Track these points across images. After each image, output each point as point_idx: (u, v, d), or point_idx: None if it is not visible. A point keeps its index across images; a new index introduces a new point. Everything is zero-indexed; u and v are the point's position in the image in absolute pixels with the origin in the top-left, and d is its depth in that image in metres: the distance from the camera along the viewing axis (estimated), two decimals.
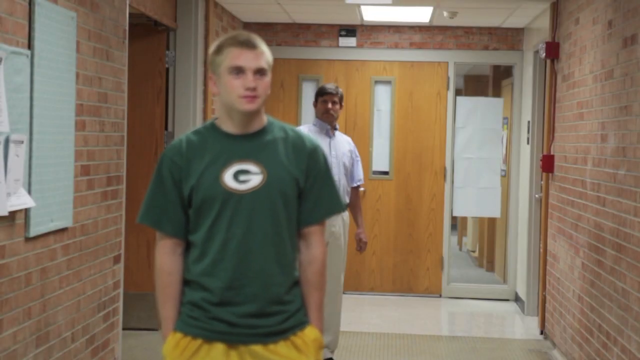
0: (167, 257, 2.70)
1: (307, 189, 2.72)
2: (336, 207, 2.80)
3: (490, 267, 10.04)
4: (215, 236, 2.64)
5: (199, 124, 6.80)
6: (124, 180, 5.24)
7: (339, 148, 5.79)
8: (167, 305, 2.70)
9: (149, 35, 6.57)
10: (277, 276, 2.66)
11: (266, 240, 2.64)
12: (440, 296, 8.63)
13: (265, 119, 2.75)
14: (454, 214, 8.88)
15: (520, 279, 8.11)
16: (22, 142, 3.66)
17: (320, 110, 5.78)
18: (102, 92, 4.80)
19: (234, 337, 2.64)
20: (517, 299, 8.33)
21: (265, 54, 2.68)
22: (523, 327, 7.48)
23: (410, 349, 6.53)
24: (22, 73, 3.69)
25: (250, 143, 2.68)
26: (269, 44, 8.62)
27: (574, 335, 5.75)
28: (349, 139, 6.00)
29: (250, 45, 2.64)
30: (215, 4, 7.20)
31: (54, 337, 4.19)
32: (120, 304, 5.24)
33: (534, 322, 7.43)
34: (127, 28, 5.19)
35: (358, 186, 5.96)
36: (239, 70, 2.63)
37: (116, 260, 5.14)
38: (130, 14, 5.29)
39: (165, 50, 6.64)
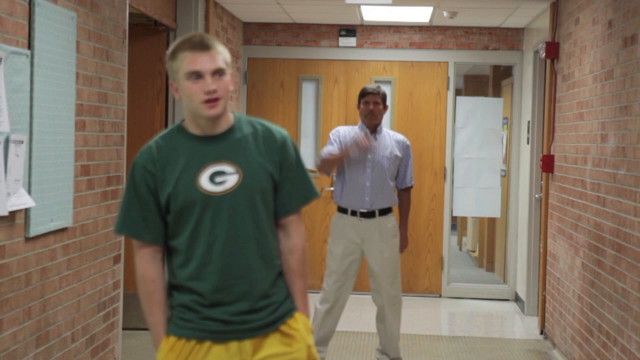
0: (148, 264, 2.69)
1: (282, 181, 2.72)
2: (311, 195, 2.80)
3: (490, 267, 10.04)
4: (198, 240, 2.63)
5: None
6: (124, 180, 5.24)
7: (379, 152, 5.57)
8: (155, 311, 2.70)
9: (149, 35, 6.57)
10: (263, 271, 2.67)
11: (249, 238, 2.65)
12: (440, 296, 8.63)
13: (231, 116, 2.72)
14: (454, 214, 8.88)
15: (520, 279, 8.11)
16: (22, 142, 3.66)
17: (363, 112, 5.60)
18: (102, 92, 4.80)
19: (228, 334, 2.64)
20: (517, 299, 8.33)
21: (221, 53, 2.63)
22: (523, 327, 7.48)
23: (410, 349, 6.53)
24: (22, 73, 3.69)
25: (221, 144, 2.67)
26: (269, 44, 8.70)
27: (574, 335, 5.75)
28: (399, 139, 5.70)
29: (204, 47, 2.59)
30: (215, 4, 7.20)
31: (54, 337, 4.19)
32: (120, 304, 5.24)
33: (534, 322, 7.43)
34: (127, 28, 5.19)
35: (405, 188, 5.74)
36: (196, 75, 2.59)
37: (116, 260, 5.14)
38: (130, 14, 5.29)
39: (165, 50, 6.63)
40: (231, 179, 2.63)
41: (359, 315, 7.68)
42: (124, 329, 5.50)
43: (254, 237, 2.65)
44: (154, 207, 2.66)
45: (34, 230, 3.87)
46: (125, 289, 5.94)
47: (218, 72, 2.61)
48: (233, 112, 2.75)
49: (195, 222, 2.62)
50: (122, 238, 5.25)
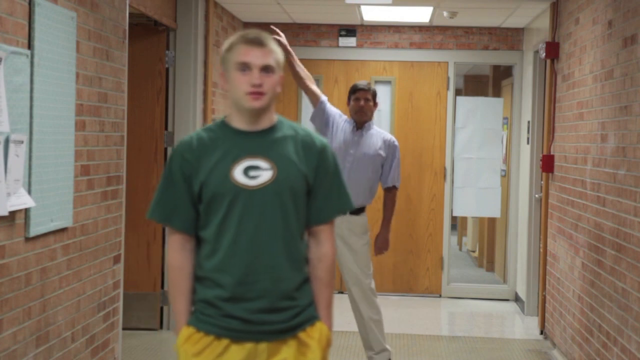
0: (177, 252, 2.74)
1: (316, 187, 2.75)
2: (345, 206, 2.83)
3: (490, 267, 10.04)
4: (226, 232, 2.67)
5: (198, 124, 6.80)
6: (124, 180, 5.24)
7: (361, 149, 5.55)
8: (179, 299, 2.74)
9: (149, 35, 6.57)
10: (288, 271, 2.69)
11: (276, 236, 2.67)
12: (440, 296, 8.63)
13: (275, 117, 2.78)
14: (454, 214, 8.88)
15: (520, 279, 8.11)
16: (22, 142, 3.66)
17: (353, 108, 5.59)
18: (102, 92, 4.80)
19: (246, 334, 2.66)
20: (517, 299, 8.33)
21: (274, 52, 2.70)
22: (523, 327, 7.48)
23: (410, 349, 6.53)
24: (22, 73, 3.69)
25: (260, 139, 2.71)
26: None
27: (574, 335, 5.75)
28: (387, 138, 5.65)
29: (257, 43, 2.67)
30: (215, 4, 7.20)
31: (54, 337, 4.19)
32: (120, 304, 5.24)
33: (534, 322, 7.43)
34: (127, 28, 5.19)
35: (388, 188, 5.67)
36: (245, 67, 2.66)
37: (116, 260, 5.14)
38: (130, 14, 5.29)
39: (165, 50, 6.64)
40: (265, 174, 2.67)
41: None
42: (124, 329, 5.50)
43: (281, 236, 2.68)
44: (187, 194, 2.70)
45: (34, 230, 3.87)
46: (125, 289, 5.95)
47: (266, 69, 2.67)
48: (278, 115, 2.80)
49: (224, 213, 2.66)
50: (122, 238, 5.25)
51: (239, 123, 2.73)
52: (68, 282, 4.36)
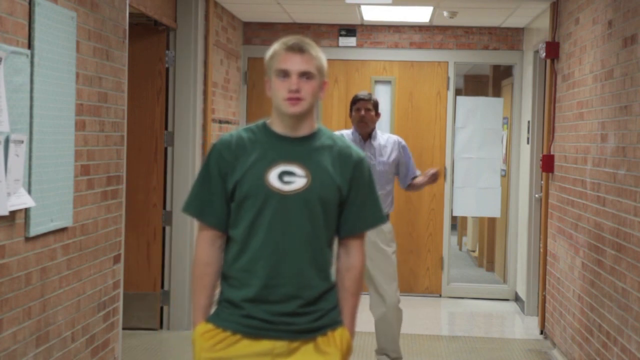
0: (206, 247, 2.77)
1: (350, 199, 2.77)
2: (378, 220, 2.84)
3: (490, 267, 10.04)
4: (255, 234, 2.69)
5: (198, 124, 6.80)
6: (124, 180, 5.24)
7: (376, 158, 5.53)
8: (201, 294, 2.77)
9: (149, 35, 6.57)
10: (313, 279, 2.70)
11: (304, 243, 2.69)
12: (440, 296, 8.64)
13: (316, 125, 2.80)
14: (454, 214, 8.88)
15: (520, 279, 8.12)
16: (22, 142, 3.66)
17: (355, 119, 5.57)
18: (102, 92, 4.80)
19: (264, 332, 2.69)
20: (517, 299, 8.33)
21: (315, 59, 2.72)
22: (523, 327, 7.48)
23: (410, 349, 6.53)
24: (22, 73, 3.69)
25: (298, 146, 2.74)
26: (269, 44, 8.66)
27: (574, 335, 5.75)
28: (394, 140, 5.64)
29: (297, 50, 2.70)
30: (215, 4, 7.20)
31: (54, 337, 4.19)
32: (120, 304, 5.24)
33: (534, 322, 7.43)
34: (127, 28, 5.19)
35: (413, 178, 5.68)
36: (284, 73, 2.69)
37: (116, 260, 5.14)
38: (130, 14, 5.29)
39: (165, 50, 6.64)
40: (299, 181, 2.69)
41: (359, 315, 7.65)
42: (124, 329, 5.50)
43: (308, 243, 2.69)
44: (220, 191, 2.73)
45: (34, 230, 3.87)
46: (125, 289, 5.94)
47: (306, 75, 2.70)
48: (319, 124, 2.82)
49: (254, 214, 2.68)
50: (122, 238, 5.25)
51: (279, 127, 2.75)
52: (68, 282, 4.36)
